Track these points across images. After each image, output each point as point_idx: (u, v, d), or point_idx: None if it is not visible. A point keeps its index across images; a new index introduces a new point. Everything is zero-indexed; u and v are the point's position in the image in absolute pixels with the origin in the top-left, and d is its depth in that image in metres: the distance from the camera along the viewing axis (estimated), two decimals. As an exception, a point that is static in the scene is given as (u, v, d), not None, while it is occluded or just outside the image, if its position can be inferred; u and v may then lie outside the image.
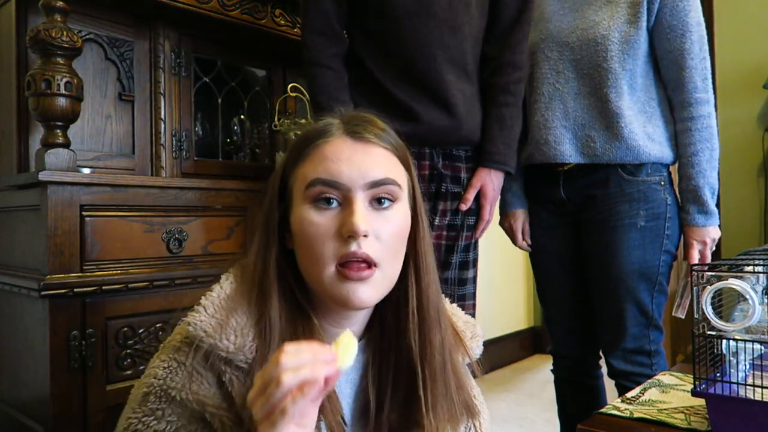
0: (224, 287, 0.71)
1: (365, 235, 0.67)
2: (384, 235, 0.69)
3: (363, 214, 0.67)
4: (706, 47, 1.38)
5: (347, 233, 0.66)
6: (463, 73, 1.35)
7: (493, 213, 1.44)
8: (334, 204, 0.68)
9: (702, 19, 1.39)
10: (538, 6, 1.47)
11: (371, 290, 0.68)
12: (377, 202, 0.69)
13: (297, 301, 0.71)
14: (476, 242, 1.46)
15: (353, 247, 0.66)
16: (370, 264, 0.67)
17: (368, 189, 0.68)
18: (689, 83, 1.36)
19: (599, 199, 1.39)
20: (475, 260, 1.45)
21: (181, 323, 0.70)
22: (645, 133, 1.37)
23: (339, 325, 0.74)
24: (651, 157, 1.37)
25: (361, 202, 0.68)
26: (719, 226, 1.40)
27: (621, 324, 1.38)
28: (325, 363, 0.56)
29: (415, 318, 0.73)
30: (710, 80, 1.38)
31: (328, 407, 0.67)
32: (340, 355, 0.58)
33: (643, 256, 1.36)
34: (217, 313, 0.68)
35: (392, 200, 0.70)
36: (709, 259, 1.40)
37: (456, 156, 1.38)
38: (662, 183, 1.39)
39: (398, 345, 0.75)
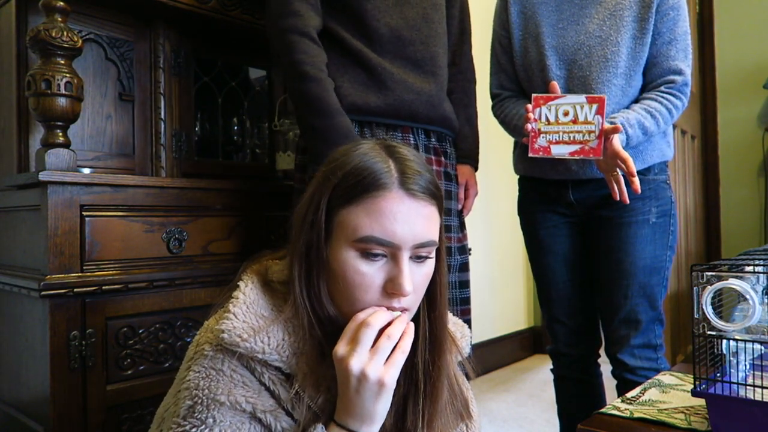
0: (248, 294, 0.75)
1: None
2: (418, 285, 0.74)
3: (409, 275, 0.72)
4: (690, 57, 1.40)
5: (392, 290, 0.71)
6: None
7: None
8: (381, 256, 0.72)
9: (689, 29, 1.40)
10: (532, 18, 1.45)
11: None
12: (417, 257, 0.74)
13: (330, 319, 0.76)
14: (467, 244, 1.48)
15: (395, 303, 0.72)
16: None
17: (414, 249, 0.73)
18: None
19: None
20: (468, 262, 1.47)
21: (202, 333, 0.74)
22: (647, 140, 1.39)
23: None
24: (654, 159, 1.41)
25: (406, 261, 0.72)
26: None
27: (634, 319, 1.41)
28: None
29: (426, 340, 0.78)
30: (689, 88, 1.40)
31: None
32: None
33: (654, 252, 1.40)
34: (247, 319, 0.72)
35: (430, 257, 0.76)
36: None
37: (443, 152, 1.41)
38: (667, 182, 1.45)
39: None
